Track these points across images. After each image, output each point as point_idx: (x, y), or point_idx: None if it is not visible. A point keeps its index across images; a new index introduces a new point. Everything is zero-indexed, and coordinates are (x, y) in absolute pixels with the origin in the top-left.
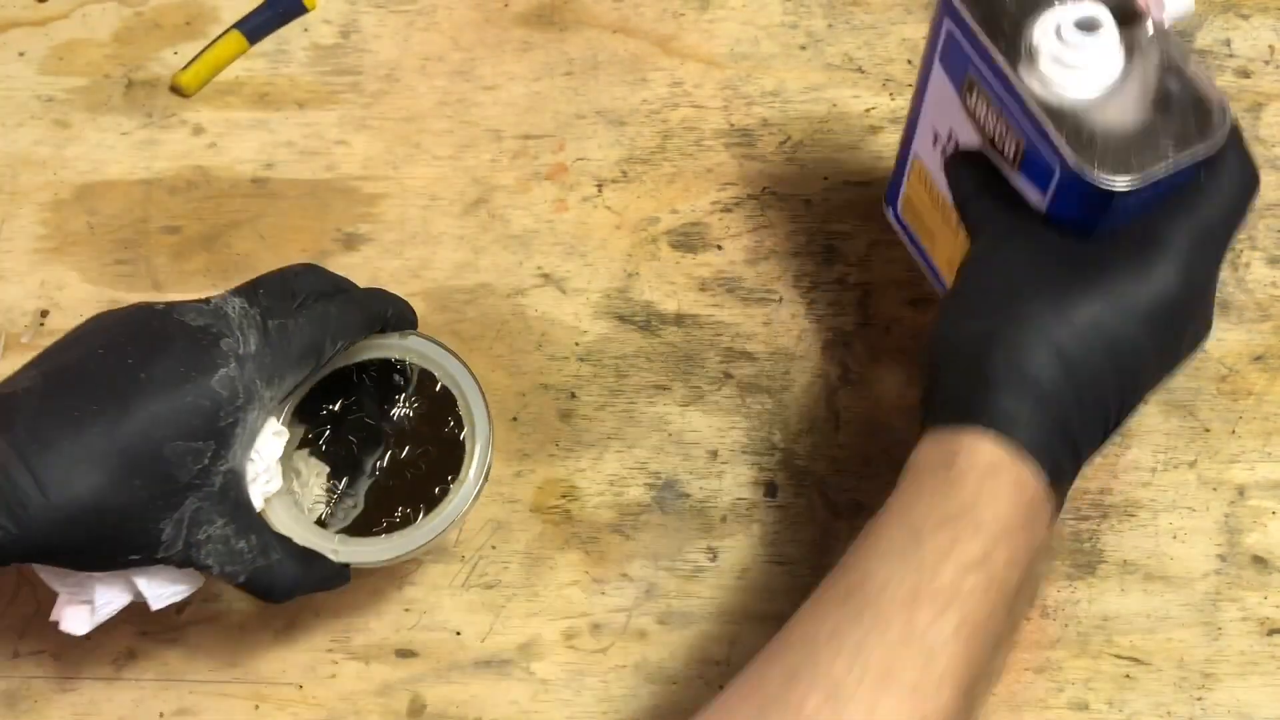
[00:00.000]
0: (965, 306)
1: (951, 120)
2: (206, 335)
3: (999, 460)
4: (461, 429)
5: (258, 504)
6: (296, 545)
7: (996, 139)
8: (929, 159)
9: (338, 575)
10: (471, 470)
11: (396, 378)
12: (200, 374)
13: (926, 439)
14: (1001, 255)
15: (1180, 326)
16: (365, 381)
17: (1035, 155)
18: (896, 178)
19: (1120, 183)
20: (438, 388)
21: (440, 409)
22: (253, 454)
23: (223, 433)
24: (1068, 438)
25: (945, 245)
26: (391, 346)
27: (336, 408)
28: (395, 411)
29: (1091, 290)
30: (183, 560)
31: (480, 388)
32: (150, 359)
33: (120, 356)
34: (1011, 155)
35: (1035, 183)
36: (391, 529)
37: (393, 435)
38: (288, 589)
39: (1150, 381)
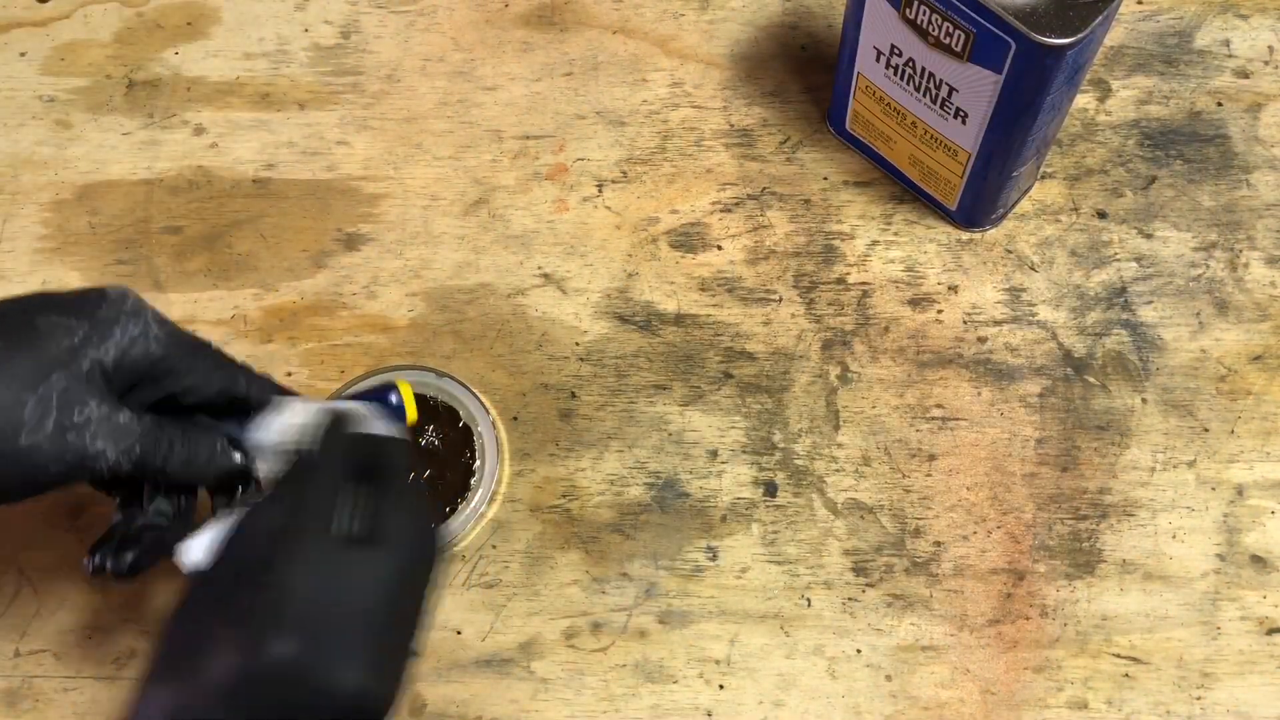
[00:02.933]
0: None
1: (891, 36)
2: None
3: None
4: (474, 460)
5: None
6: (191, 430)
7: (944, 38)
8: (875, 74)
9: (231, 465)
10: (477, 495)
11: (427, 412)
12: (88, 293)
13: None
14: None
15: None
16: None
17: (987, 41)
18: (840, 99)
19: (1065, 41)
20: (460, 424)
21: (460, 442)
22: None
23: (100, 324)
24: None
25: (904, 145)
26: (427, 385)
27: None
28: (423, 440)
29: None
30: (64, 449)
31: (493, 420)
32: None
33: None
34: (960, 49)
35: (988, 66)
36: None
37: (419, 459)
38: (183, 461)
39: None
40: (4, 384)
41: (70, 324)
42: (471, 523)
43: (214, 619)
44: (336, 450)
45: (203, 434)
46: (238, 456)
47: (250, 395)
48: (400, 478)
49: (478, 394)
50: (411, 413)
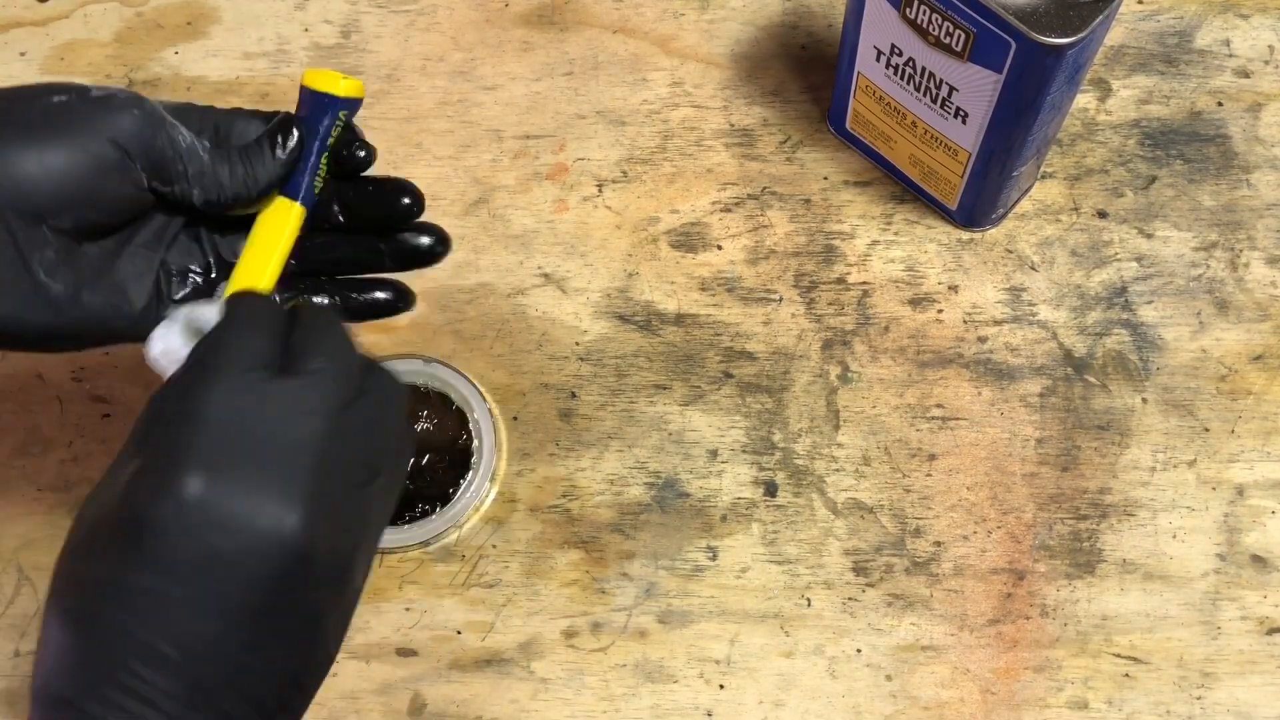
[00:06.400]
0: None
1: (892, 35)
2: None
3: None
4: (471, 441)
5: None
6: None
7: (944, 37)
8: (875, 73)
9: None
10: (477, 476)
11: (420, 399)
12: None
13: None
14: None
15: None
16: None
17: (987, 41)
18: (840, 98)
19: (1066, 41)
20: (453, 408)
21: (454, 425)
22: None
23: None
24: None
25: (904, 145)
26: (417, 373)
27: None
28: (419, 426)
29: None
30: (146, 107)
31: (490, 408)
32: None
33: None
34: (961, 48)
35: (988, 65)
36: (412, 520)
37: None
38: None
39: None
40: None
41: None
42: (475, 503)
43: (124, 473)
44: (252, 309)
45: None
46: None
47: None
48: (325, 317)
49: (468, 376)
50: (343, 86)
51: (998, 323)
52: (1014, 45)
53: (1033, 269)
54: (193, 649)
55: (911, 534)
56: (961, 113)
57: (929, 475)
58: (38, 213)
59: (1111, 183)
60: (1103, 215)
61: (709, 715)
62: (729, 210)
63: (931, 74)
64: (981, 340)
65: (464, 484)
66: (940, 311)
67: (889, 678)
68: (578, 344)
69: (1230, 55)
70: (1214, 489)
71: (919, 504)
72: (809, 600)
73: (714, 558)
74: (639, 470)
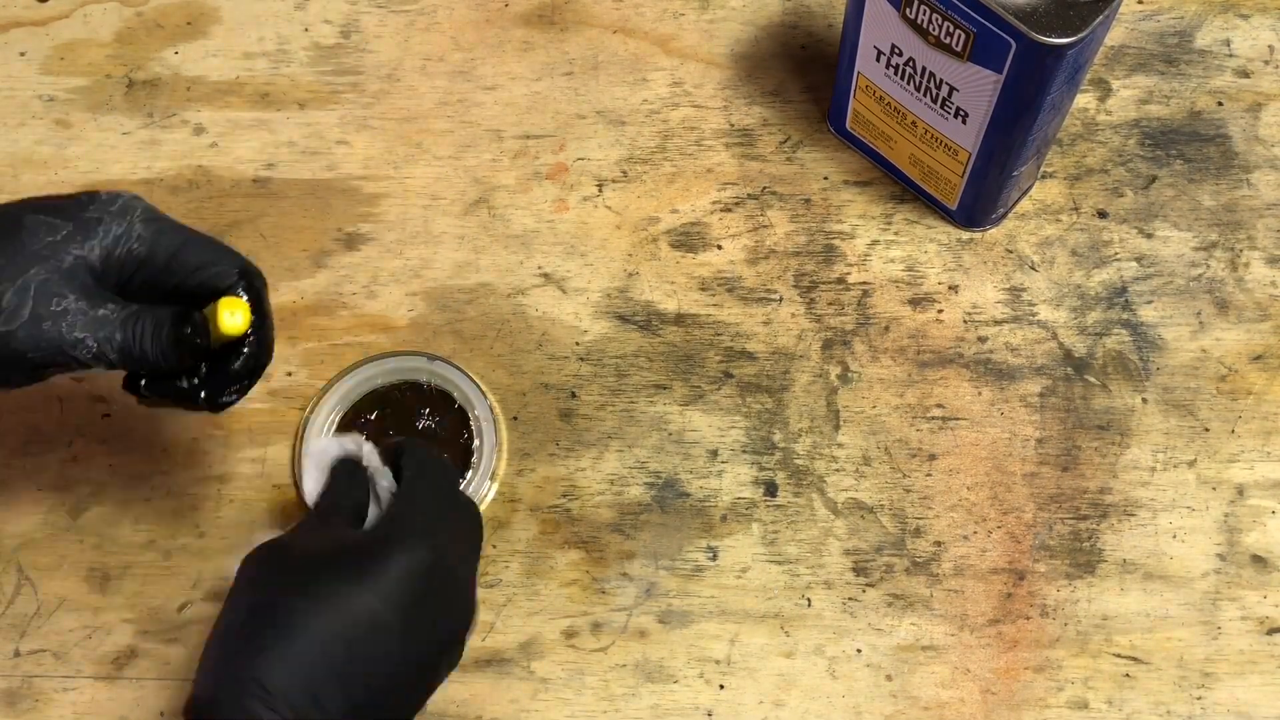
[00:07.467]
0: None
1: (892, 35)
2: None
3: None
4: (472, 440)
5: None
6: (167, 310)
7: (944, 37)
8: (875, 73)
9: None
10: (477, 475)
11: (422, 396)
12: (80, 195)
13: None
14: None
15: (429, 611)
16: (398, 398)
17: (987, 41)
18: (840, 98)
19: (1066, 41)
20: (455, 406)
21: (456, 422)
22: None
23: (85, 223)
24: None
25: (904, 145)
26: (420, 370)
27: (373, 417)
28: (420, 424)
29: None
30: (39, 336)
31: (491, 406)
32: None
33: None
34: (961, 48)
35: (988, 65)
36: None
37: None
38: (162, 349)
39: (402, 678)
40: None
41: (55, 223)
42: (481, 488)
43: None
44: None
45: (159, 310)
46: (187, 329)
47: (236, 287)
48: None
49: (471, 375)
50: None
51: (998, 323)
52: (1014, 45)
53: (1033, 269)
54: None
55: (911, 534)
56: (961, 113)
57: (929, 475)
58: None
59: (1111, 183)
60: (1103, 215)
61: (709, 715)
62: (729, 210)
63: (931, 74)
64: (981, 340)
65: (464, 483)
66: (940, 311)
67: (889, 678)
68: (578, 344)
69: (1230, 55)
70: (1214, 489)
71: (919, 504)
72: (809, 600)
73: (714, 558)
74: (639, 470)
